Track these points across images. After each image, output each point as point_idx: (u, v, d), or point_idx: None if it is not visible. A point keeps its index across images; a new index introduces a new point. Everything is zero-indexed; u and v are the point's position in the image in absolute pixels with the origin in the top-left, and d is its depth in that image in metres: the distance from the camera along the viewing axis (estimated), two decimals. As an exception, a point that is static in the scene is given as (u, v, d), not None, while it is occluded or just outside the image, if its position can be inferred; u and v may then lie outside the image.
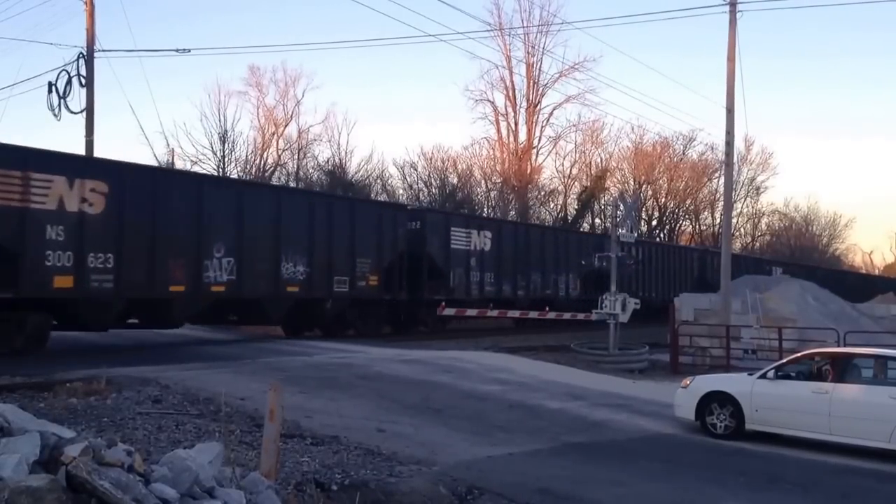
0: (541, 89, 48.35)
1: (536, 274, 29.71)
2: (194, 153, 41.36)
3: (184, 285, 17.89)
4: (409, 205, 35.61)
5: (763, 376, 11.86)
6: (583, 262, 30.99)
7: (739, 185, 57.24)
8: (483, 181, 49.11)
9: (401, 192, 46.82)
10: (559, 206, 51.29)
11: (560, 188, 51.94)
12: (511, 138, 48.54)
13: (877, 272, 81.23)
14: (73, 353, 16.40)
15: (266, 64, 58.45)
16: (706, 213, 60.01)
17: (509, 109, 48.37)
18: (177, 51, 28.68)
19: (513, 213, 44.21)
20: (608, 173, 52.53)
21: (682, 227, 59.46)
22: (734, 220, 53.60)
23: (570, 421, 12.22)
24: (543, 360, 19.20)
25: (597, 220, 51.95)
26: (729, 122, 23.22)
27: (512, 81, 47.94)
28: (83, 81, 24.45)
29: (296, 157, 43.74)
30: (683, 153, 56.04)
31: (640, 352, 21.18)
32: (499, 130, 48.80)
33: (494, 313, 27.55)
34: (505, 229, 29.35)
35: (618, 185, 52.51)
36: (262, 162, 42.47)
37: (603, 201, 51.11)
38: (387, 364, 15.89)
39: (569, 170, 52.34)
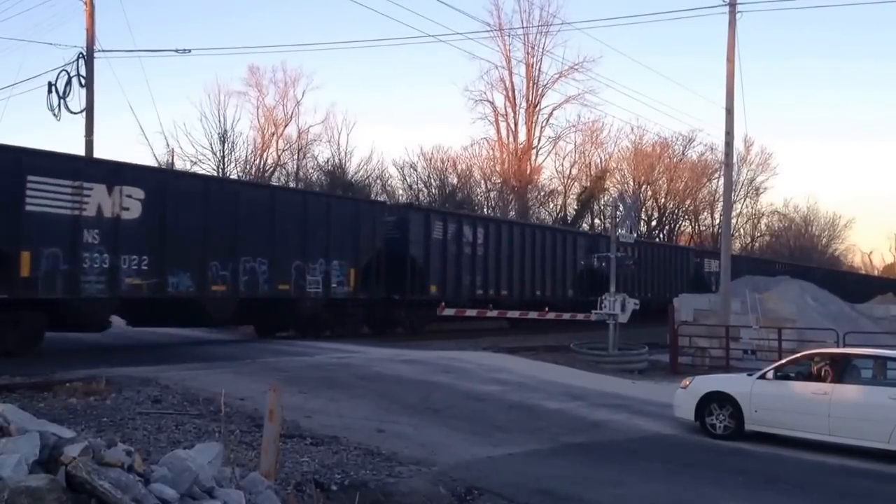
0: (540, 90, 48.43)
1: (256, 261, 19.57)
2: (194, 153, 41.38)
3: None
4: None
5: (762, 377, 11.87)
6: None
7: (739, 186, 57.37)
8: (483, 181, 49.20)
9: (401, 192, 46.89)
10: (559, 207, 51.39)
11: (560, 188, 52.07)
12: (511, 139, 48.60)
13: (876, 273, 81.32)
14: (72, 353, 16.40)
15: (266, 64, 58.41)
16: (706, 213, 60.21)
17: (509, 110, 48.45)
18: (177, 51, 28.67)
19: (512, 213, 44.23)
20: (608, 174, 52.62)
21: (682, 228, 59.54)
22: (733, 221, 53.61)
23: (570, 421, 12.22)
24: (542, 361, 19.21)
25: (596, 221, 52.02)
26: (728, 122, 23.24)
27: (511, 82, 48.02)
28: (83, 81, 24.44)
29: (295, 157, 43.79)
30: (683, 154, 56.20)
31: (639, 352, 21.19)
32: (498, 131, 48.88)
33: (494, 313, 27.49)
34: (175, 186, 18.25)
35: (617, 186, 52.58)
36: (262, 162, 42.50)
37: (602, 202, 51.18)
38: (386, 364, 15.89)
39: (568, 170, 52.47)
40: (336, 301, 21.86)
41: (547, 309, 29.62)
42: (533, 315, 29.02)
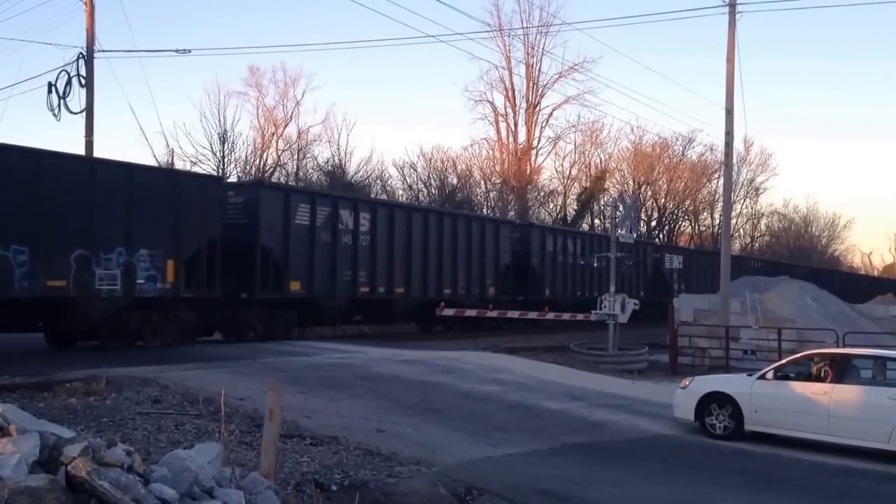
0: (540, 90, 48.43)
1: (10, 249, 14.84)
2: (194, 153, 41.28)
3: None
4: None
5: (762, 377, 11.87)
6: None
7: (739, 186, 57.38)
8: (483, 182, 49.21)
9: (400, 192, 46.92)
10: (559, 207, 51.41)
11: (559, 189, 52.09)
12: (510, 139, 48.62)
13: (876, 273, 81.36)
14: (72, 352, 16.39)
15: (266, 64, 58.30)
16: (705, 213, 60.24)
17: (509, 110, 48.46)
18: (177, 51, 28.61)
19: (512, 213, 44.24)
20: (607, 174, 52.67)
21: (682, 228, 59.59)
22: (733, 221, 53.63)
23: (570, 421, 12.23)
24: (542, 361, 19.22)
25: (596, 221, 52.03)
26: (728, 122, 23.24)
27: (511, 82, 48.02)
28: (83, 82, 24.42)
29: (295, 157, 43.78)
30: (683, 154, 56.22)
31: (639, 352, 21.20)
32: (498, 131, 48.89)
33: (494, 314, 27.42)
34: None
35: (617, 186, 52.59)
36: (262, 162, 42.49)
37: (602, 202, 51.20)
38: (386, 364, 15.89)
39: (568, 170, 52.50)
40: (147, 301, 17.22)
41: (547, 308, 29.53)
42: (533, 315, 28.93)
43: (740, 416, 11.70)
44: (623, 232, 22.54)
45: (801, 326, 21.01)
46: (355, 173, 44.63)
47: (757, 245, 66.07)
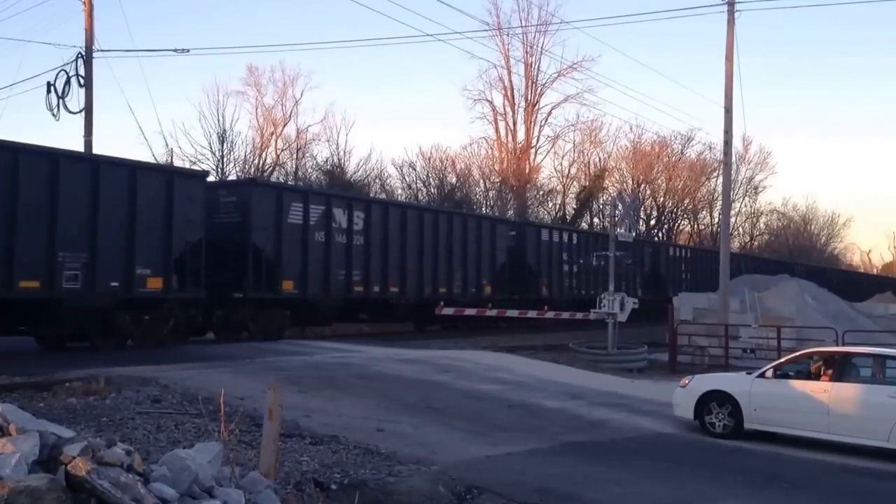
0: (539, 89, 48.33)
1: None
2: (193, 153, 41.23)
3: None
4: None
5: (761, 375, 11.87)
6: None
7: (738, 185, 57.39)
8: (482, 181, 49.14)
9: (399, 191, 46.89)
10: (558, 206, 51.39)
11: (559, 188, 52.06)
12: (509, 138, 48.54)
13: (875, 271, 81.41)
14: (72, 352, 16.38)
15: (264, 64, 57.94)
16: (704, 212, 60.27)
17: (508, 109, 48.38)
18: (175, 51, 28.61)
19: (511, 212, 44.21)
20: (606, 173, 52.65)
21: (681, 227, 59.61)
22: (732, 220, 53.56)
23: (569, 420, 12.23)
24: (542, 360, 19.22)
25: (595, 220, 52.04)
26: (727, 121, 23.24)
27: (510, 81, 47.93)
28: (82, 81, 24.37)
29: (294, 156, 43.73)
30: (682, 153, 56.19)
31: (638, 351, 21.20)
32: (497, 130, 48.81)
33: (493, 313, 27.40)
34: None
35: (616, 185, 52.59)
36: (261, 162, 42.45)
37: (602, 201, 51.20)
38: (385, 363, 15.89)
39: (567, 169, 52.44)
40: None
41: (546, 308, 29.54)
42: (532, 314, 28.91)
43: (740, 414, 11.70)
44: (622, 230, 22.54)
45: (801, 325, 21.02)
46: (354, 172, 44.66)
47: (756, 243, 66.10)
